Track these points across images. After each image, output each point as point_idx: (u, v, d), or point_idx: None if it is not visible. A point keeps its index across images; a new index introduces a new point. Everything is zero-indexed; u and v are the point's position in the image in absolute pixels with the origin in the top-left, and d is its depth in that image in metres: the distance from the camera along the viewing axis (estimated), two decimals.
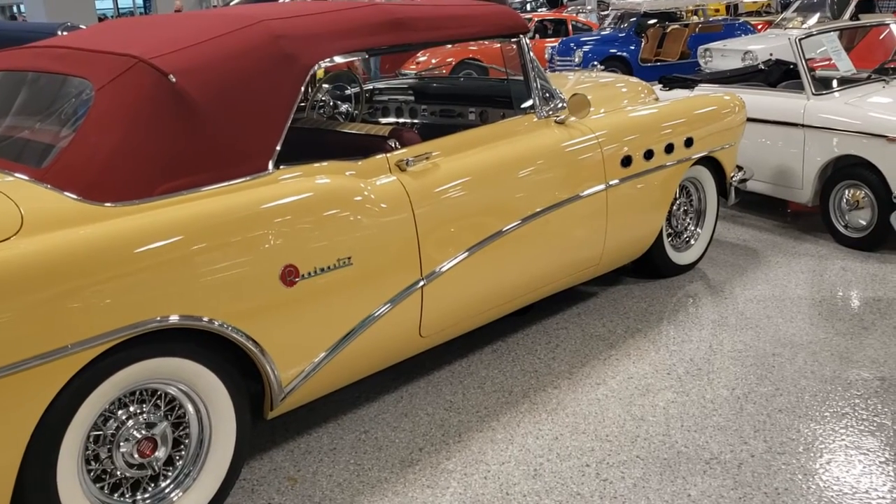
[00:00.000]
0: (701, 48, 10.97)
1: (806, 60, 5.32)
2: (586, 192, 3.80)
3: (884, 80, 5.44)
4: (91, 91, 2.66)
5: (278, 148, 2.81)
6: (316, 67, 2.97)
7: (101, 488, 2.48)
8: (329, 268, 2.81)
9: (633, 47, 13.21)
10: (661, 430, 3.15)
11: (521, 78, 3.81)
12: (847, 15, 11.13)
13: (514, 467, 2.95)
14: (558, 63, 13.41)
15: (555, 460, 2.98)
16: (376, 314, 2.97)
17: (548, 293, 3.95)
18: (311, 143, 3.38)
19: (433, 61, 12.39)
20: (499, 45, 3.93)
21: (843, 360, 3.65)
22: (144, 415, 2.54)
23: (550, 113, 3.79)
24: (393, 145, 3.20)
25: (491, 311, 3.59)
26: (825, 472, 2.85)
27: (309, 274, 2.75)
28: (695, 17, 14.93)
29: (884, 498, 2.70)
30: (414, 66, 11.60)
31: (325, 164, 2.96)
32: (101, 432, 2.46)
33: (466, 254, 3.28)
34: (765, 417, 3.21)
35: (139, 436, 2.51)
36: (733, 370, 3.60)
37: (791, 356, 3.71)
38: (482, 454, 3.03)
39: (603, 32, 14.43)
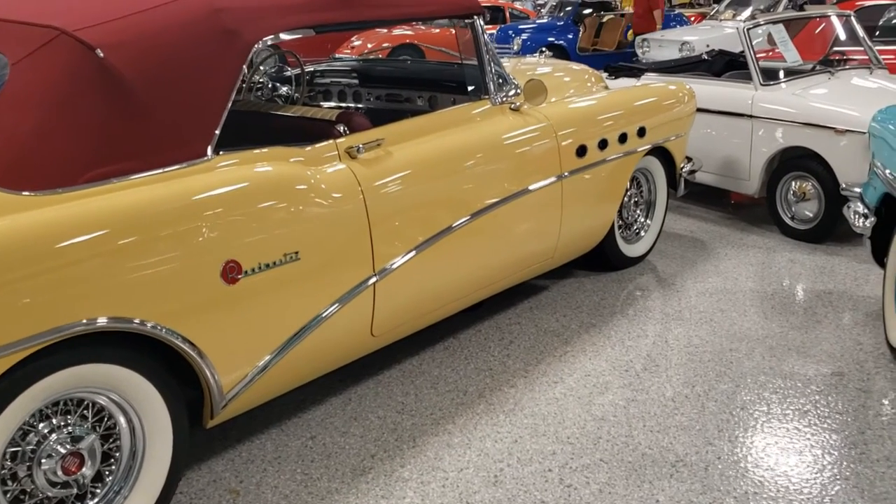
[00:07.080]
0: (638, 38, 10.96)
1: (754, 51, 5.28)
2: (543, 183, 3.64)
3: (829, 71, 5.44)
4: (5, 66, 2.38)
5: (218, 132, 2.58)
6: (259, 44, 2.74)
7: None
8: (275, 263, 2.58)
9: (570, 36, 13.16)
10: (624, 430, 3.03)
11: (473, 62, 3.63)
12: (781, 7, 11.28)
13: (473, 474, 2.78)
14: (497, 51, 13.28)
15: (515, 465, 2.83)
16: (326, 313, 2.76)
17: (503, 287, 3.79)
18: (252, 128, 3.14)
19: (369, 45, 12.08)
20: (438, 29, 3.74)
21: (800, 355, 3.59)
22: (70, 427, 2.28)
23: (505, 99, 3.63)
24: (342, 130, 2.99)
25: (445, 307, 3.41)
26: (794, 472, 2.76)
27: (253, 270, 2.53)
28: (629, 8, 14.99)
29: (853, 502, 2.62)
30: (349, 51, 11.27)
31: (268, 150, 2.73)
32: (19, 448, 2.20)
33: (422, 247, 3.09)
34: (727, 416, 3.12)
35: (63, 451, 2.26)
36: (691, 366, 3.51)
37: (748, 351, 3.64)
38: (439, 460, 2.86)
39: (541, 21, 14.37)
